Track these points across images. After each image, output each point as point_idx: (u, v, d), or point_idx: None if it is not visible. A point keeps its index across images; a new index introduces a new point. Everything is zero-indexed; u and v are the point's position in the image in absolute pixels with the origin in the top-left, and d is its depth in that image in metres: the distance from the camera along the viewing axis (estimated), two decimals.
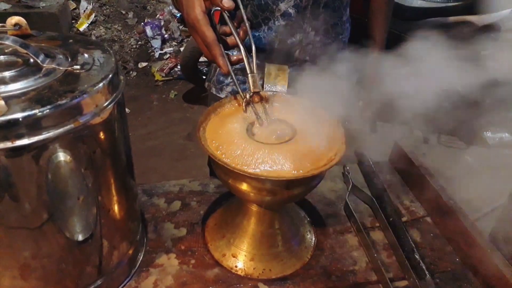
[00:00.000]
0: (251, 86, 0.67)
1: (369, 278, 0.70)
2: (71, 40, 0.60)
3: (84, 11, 3.39)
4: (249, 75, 0.66)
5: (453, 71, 0.78)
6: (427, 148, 2.73)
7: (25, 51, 0.51)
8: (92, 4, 3.46)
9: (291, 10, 1.04)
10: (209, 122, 0.67)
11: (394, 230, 0.77)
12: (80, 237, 0.58)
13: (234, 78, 0.66)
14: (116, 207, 0.62)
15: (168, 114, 2.77)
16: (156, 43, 3.29)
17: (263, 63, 0.82)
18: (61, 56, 0.55)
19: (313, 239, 0.76)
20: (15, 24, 0.58)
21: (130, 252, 0.68)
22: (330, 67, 1.19)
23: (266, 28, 1.07)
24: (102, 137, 0.55)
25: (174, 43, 3.38)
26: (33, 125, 0.45)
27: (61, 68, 0.52)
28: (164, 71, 3.08)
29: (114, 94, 0.54)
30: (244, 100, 0.67)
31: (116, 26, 3.43)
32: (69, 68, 0.52)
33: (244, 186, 0.61)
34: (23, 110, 0.44)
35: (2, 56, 0.53)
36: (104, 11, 3.49)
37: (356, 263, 0.73)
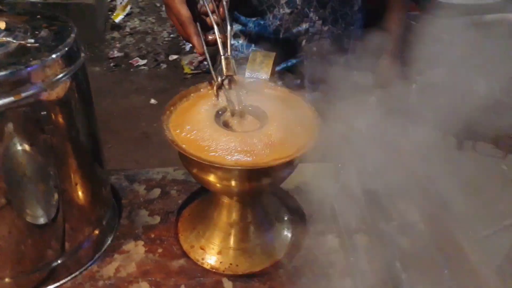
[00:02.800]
0: (224, 69, 0.63)
1: (343, 283, 0.65)
2: (38, 16, 0.59)
3: (121, 3, 3.47)
4: (222, 57, 0.63)
5: (490, 74, 0.72)
6: (461, 155, 2.58)
7: None
8: None
9: None
10: (178, 106, 0.64)
11: (380, 234, 0.71)
12: (36, 219, 0.57)
13: (208, 59, 0.63)
14: (75, 190, 0.61)
15: None
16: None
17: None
18: (20, 31, 0.54)
19: (289, 237, 0.72)
20: None
21: (94, 235, 0.66)
22: (338, 59, 1.14)
23: (271, 16, 1.03)
24: (55, 114, 0.53)
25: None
26: None
27: (14, 41, 0.51)
28: (193, 64, 3.10)
29: (67, 70, 0.52)
30: (216, 83, 0.63)
31: (150, 19, 3.49)
32: (23, 42, 0.51)
33: (206, 175, 0.58)
34: None
35: None
36: (140, 3, 3.55)
37: (332, 266, 0.68)
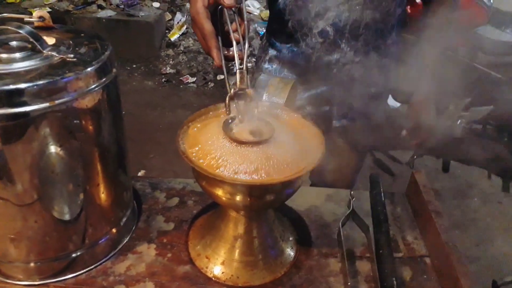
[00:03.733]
0: (238, 81, 0.67)
1: None
2: (82, 35, 0.68)
3: (178, 22, 3.67)
4: (237, 70, 0.67)
5: None
6: (506, 196, 2.46)
7: (31, 39, 0.59)
8: (186, 17, 3.73)
9: (328, 29, 1.04)
10: (196, 122, 0.70)
11: (381, 263, 0.72)
12: (61, 215, 0.64)
13: (225, 73, 0.68)
14: (98, 192, 0.67)
15: None
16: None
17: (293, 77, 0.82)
18: (64, 47, 0.62)
19: (292, 256, 0.74)
20: (40, 17, 0.67)
21: (112, 234, 0.72)
22: (369, 90, 1.16)
23: (304, 44, 1.08)
24: (85, 121, 0.60)
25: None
26: (9, 99, 0.52)
27: (57, 55, 0.59)
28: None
29: (98, 82, 0.59)
30: (228, 95, 0.67)
31: None
32: (64, 56, 0.59)
33: (213, 188, 0.63)
34: (3, 84, 0.52)
35: (15, 42, 0.61)
36: None
37: None
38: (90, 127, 0.62)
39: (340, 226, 0.78)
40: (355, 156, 1.32)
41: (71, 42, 0.64)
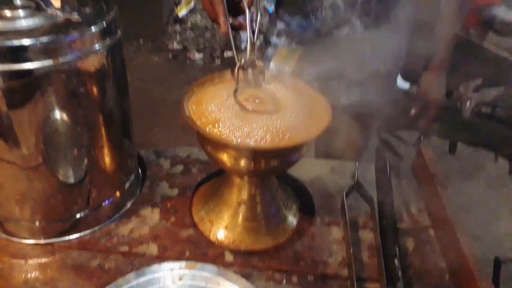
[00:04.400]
0: (248, 52, 0.67)
1: (339, 272, 0.67)
2: None
3: None
4: (248, 41, 0.67)
5: None
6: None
7: None
8: None
9: (339, 3, 1.02)
10: (201, 88, 0.69)
11: (384, 233, 0.72)
12: (66, 177, 0.64)
13: (232, 41, 0.67)
14: (102, 156, 0.67)
15: None
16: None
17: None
18: (69, 7, 0.61)
19: (295, 223, 0.74)
20: None
21: (116, 197, 0.73)
22: (379, 64, 1.14)
23: (314, 18, 1.06)
24: (89, 81, 0.60)
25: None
26: (12, 55, 0.52)
27: (62, 15, 0.58)
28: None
29: (102, 43, 0.59)
30: (238, 64, 0.66)
31: None
32: (68, 16, 0.58)
33: (217, 153, 0.62)
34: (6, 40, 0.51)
35: (19, 0, 0.60)
36: None
37: (332, 255, 0.70)
38: (94, 89, 0.61)
39: (344, 196, 0.78)
40: (361, 133, 1.31)
41: (76, 2, 0.63)
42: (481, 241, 1.97)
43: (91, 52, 0.58)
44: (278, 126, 0.60)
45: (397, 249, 0.69)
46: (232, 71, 0.71)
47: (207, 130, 0.60)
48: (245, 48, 0.68)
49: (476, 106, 2.53)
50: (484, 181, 2.41)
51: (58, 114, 0.59)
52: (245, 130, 0.59)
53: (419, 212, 0.80)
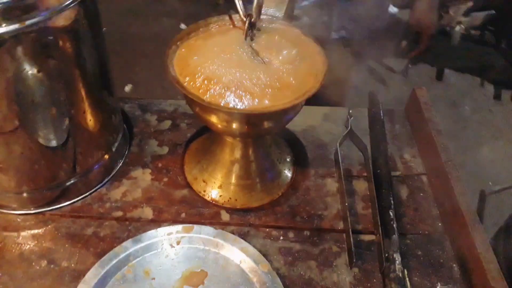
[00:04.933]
0: (254, 9, 0.60)
1: (335, 225, 0.68)
2: None
3: None
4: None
5: None
6: (497, 104, 2.47)
7: None
8: None
9: None
10: (186, 41, 0.64)
11: (378, 182, 0.72)
12: (47, 142, 0.61)
13: None
14: (84, 116, 0.63)
15: None
16: None
17: None
18: None
19: (289, 177, 0.74)
20: None
21: (104, 159, 0.70)
22: None
23: None
24: (63, 40, 0.54)
25: None
26: None
27: None
28: None
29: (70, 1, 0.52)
30: (247, 21, 0.60)
31: None
32: None
33: (208, 116, 0.59)
34: None
35: None
36: None
37: (327, 208, 0.70)
38: (68, 48, 0.56)
39: (338, 146, 0.76)
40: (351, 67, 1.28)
41: None
42: (464, 169, 2.04)
43: (61, 9, 0.51)
44: (273, 82, 0.57)
45: (391, 200, 0.69)
46: (222, 19, 0.66)
47: (197, 93, 0.56)
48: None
49: (465, 30, 2.47)
50: (470, 107, 2.43)
51: (31, 78, 0.53)
52: (238, 87, 0.56)
53: (412, 158, 0.79)
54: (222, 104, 0.54)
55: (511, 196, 1.31)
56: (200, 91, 0.56)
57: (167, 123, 0.82)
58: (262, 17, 0.66)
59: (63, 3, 0.52)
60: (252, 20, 0.61)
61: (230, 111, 0.55)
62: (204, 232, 0.63)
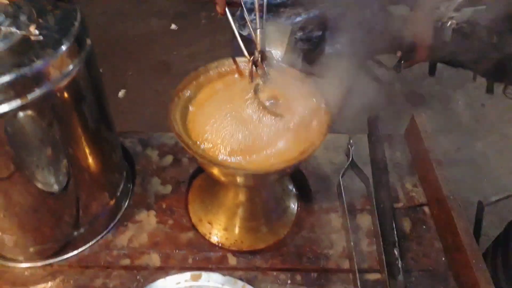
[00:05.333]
0: (257, 43, 0.60)
1: (341, 265, 0.68)
2: None
3: None
4: (258, 30, 0.60)
5: None
6: (489, 98, 2.49)
7: None
8: None
9: None
10: (187, 91, 0.63)
11: (382, 218, 0.72)
12: (52, 189, 0.59)
13: (230, 19, 0.61)
14: (90, 161, 0.62)
15: (214, 35, 2.70)
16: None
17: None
18: (24, 15, 0.52)
19: (294, 214, 0.74)
20: None
21: (111, 204, 0.70)
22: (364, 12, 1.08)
23: None
24: (65, 103, 0.53)
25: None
26: None
27: (18, 32, 0.50)
28: None
29: (73, 63, 0.51)
30: (252, 59, 0.60)
31: None
32: (26, 33, 0.50)
33: (212, 170, 0.59)
34: None
35: None
36: None
37: (332, 246, 0.71)
38: (69, 104, 0.55)
39: (340, 180, 0.77)
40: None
41: (31, 6, 0.53)
42: (457, 166, 2.06)
43: (62, 78, 0.50)
44: (276, 139, 0.57)
45: (395, 236, 0.70)
46: (223, 64, 0.65)
47: (202, 148, 0.56)
48: (249, 34, 0.62)
49: (457, 25, 2.47)
50: (463, 101, 2.44)
51: (35, 148, 0.53)
52: (245, 148, 0.56)
53: (414, 188, 0.80)
54: (229, 161, 0.54)
55: (508, 207, 1.33)
56: (203, 147, 0.56)
57: (169, 159, 0.82)
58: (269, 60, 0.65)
59: (64, 71, 0.51)
60: (256, 59, 0.60)
61: (237, 170, 0.54)
62: (213, 280, 0.63)
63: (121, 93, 2.31)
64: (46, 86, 0.49)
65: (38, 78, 0.48)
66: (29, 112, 0.49)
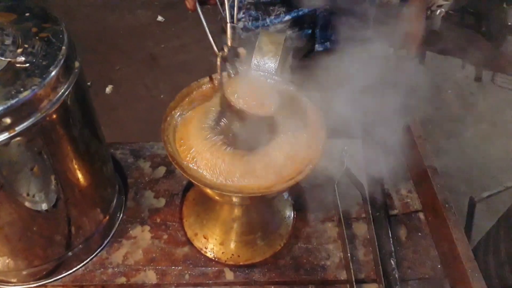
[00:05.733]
0: (228, 38, 0.58)
1: (338, 276, 0.69)
2: (27, 14, 0.55)
3: None
4: (229, 24, 0.58)
5: None
6: (478, 87, 2.50)
7: None
8: None
9: None
10: (179, 109, 0.62)
11: (378, 227, 0.73)
12: (42, 209, 0.57)
13: (201, 15, 0.59)
14: (82, 181, 0.61)
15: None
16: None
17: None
18: (9, 40, 0.50)
19: (290, 225, 0.74)
20: None
21: (105, 221, 0.69)
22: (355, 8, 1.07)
23: None
24: (56, 134, 0.52)
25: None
26: None
27: (3, 58, 0.48)
28: None
29: (61, 89, 0.49)
30: (220, 55, 0.58)
31: None
32: (12, 59, 0.48)
33: (209, 192, 0.58)
34: None
35: None
36: None
37: (329, 257, 0.71)
38: (63, 136, 0.54)
39: (336, 188, 0.77)
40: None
41: (16, 31, 0.51)
42: (447, 155, 2.08)
43: (50, 106, 0.49)
44: (270, 161, 0.56)
45: (391, 246, 0.70)
46: (211, 79, 0.64)
47: (201, 178, 0.54)
48: (222, 30, 0.60)
49: (446, 13, 2.47)
50: (452, 91, 2.45)
51: (25, 177, 0.52)
52: (237, 171, 0.55)
53: (409, 194, 0.80)
54: (224, 183, 0.54)
55: (500, 202, 1.34)
56: (195, 168, 0.55)
57: (162, 170, 0.81)
58: (257, 73, 0.64)
59: (53, 98, 0.49)
60: (225, 53, 0.58)
61: (234, 195, 0.54)
62: None
63: (108, 89, 2.27)
64: (35, 116, 0.47)
65: (25, 109, 0.46)
66: (18, 142, 0.47)
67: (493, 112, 2.32)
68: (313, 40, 1.12)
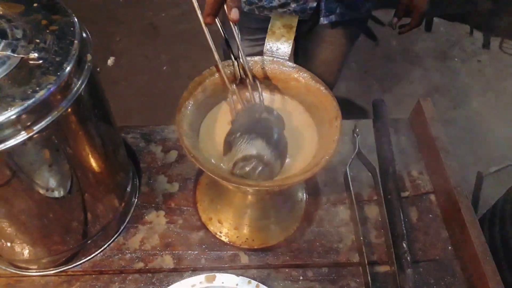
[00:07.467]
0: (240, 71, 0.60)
1: (351, 258, 0.70)
2: (35, 5, 0.53)
3: None
4: (242, 57, 0.58)
5: None
6: (485, 53, 2.45)
7: None
8: None
9: None
10: (193, 99, 0.61)
11: (390, 209, 0.73)
12: (61, 197, 0.57)
13: (209, 39, 0.61)
14: (98, 170, 0.61)
15: None
16: None
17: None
18: (19, 34, 0.49)
19: (303, 208, 0.75)
20: None
21: (121, 206, 0.69)
22: None
23: None
24: (70, 126, 0.51)
25: None
26: None
27: (14, 55, 0.47)
28: None
29: (75, 86, 0.49)
30: (230, 88, 0.60)
31: None
32: (24, 56, 0.47)
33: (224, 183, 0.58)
34: None
35: None
36: None
37: (342, 240, 0.72)
38: (79, 130, 0.53)
39: (348, 170, 0.77)
40: (342, 48, 1.23)
41: (25, 24, 0.50)
42: (454, 124, 2.07)
43: (67, 102, 0.48)
44: (292, 147, 0.56)
45: (403, 229, 0.71)
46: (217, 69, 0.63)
47: (217, 171, 0.55)
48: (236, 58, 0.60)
49: None
50: (459, 58, 2.41)
51: (44, 175, 0.52)
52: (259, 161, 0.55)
53: (420, 175, 0.81)
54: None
55: (507, 176, 1.35)
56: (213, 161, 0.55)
57: (174, 154, 0.81)
58: (271, 59, 0.63)
59: (69, 96, 0.48)
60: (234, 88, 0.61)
61: (249, 187, 0.54)
62: (227, 281, 0.65)
63: (110, 61, 2.24)
64: (51, 114, 0.46)
65: (42, 109, 0.45)
66: (35, 141, 0.47)
67: (500, 81, 2.29)
68: (318, 14, 1.09)
